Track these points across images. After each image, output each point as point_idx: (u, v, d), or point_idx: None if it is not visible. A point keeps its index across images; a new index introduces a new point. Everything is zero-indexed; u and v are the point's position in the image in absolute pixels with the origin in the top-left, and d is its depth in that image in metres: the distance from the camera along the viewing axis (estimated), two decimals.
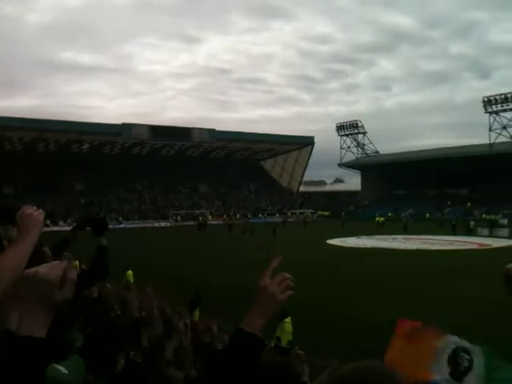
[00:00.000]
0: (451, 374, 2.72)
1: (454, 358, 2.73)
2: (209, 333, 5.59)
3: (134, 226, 61.72)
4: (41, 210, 2.00)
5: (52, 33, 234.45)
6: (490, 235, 41.79)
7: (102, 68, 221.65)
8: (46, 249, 3.67)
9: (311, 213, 76.56)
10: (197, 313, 13.03)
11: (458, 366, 2.72)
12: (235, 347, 1.54)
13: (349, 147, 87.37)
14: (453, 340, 2.78)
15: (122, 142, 74.11)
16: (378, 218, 56.38)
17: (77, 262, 7.85)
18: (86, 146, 75.41)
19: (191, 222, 66.26)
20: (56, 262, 1.54)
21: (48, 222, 57.19)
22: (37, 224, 1.93)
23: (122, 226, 60.00)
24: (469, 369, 2.70)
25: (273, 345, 10.85)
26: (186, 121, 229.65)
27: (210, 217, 68.56)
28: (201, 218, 64.33)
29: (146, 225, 64.29)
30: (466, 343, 2.75)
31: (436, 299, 16.40)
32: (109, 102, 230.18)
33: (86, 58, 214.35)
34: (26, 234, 1.87)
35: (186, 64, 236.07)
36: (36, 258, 3.21)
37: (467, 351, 2.72)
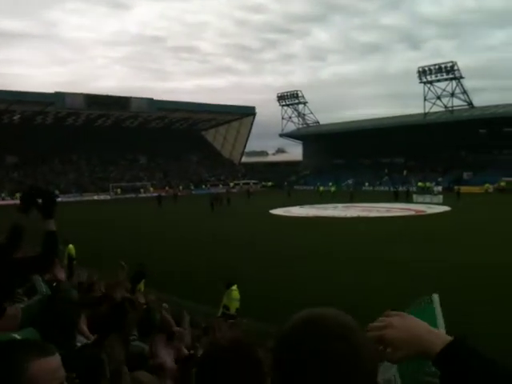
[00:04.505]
0: None
1: None
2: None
3: (72, 200, 59.60)
4: None
5: None
6: (425, 202, 43.63)
7: (25, 34, 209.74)
8: None
9: (254, 183, 76.89)
10: (141, 285, 12.78)
11: None
12: None
13: (290, 117, 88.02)
14: None
15: (56, 112, 70.82)
16: (321, 188, 57.33)
17: None
18: (16, 117, 71.63)
19: (132, 195, 64.94)
20: None
21: None
22: None
23: (59, 199, 57.84)
24: None
25: (220, 313, 10.87)
26: (120, 90, 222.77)
27: (151, 189, 67.36)
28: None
29: (85, 198, 62.38)
30: None
31: (373, 265, 17.00)
32: (36, 69, 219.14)
33: (7, 24, 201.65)
34: None
35: (117, 31, 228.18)
36: None
37: None
